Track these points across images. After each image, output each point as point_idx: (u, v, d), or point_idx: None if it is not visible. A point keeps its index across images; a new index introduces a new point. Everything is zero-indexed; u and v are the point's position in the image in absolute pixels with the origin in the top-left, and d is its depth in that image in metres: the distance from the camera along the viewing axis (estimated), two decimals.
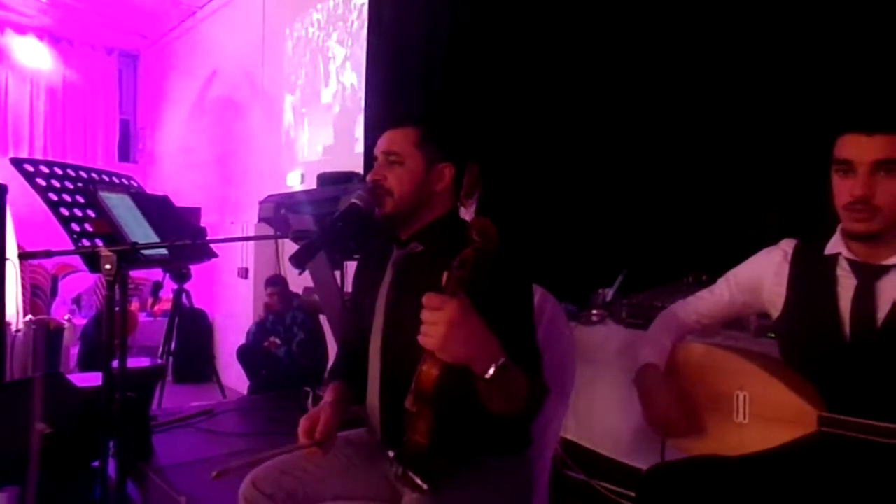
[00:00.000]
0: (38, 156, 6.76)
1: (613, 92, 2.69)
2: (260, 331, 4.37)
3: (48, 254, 1.37)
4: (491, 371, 1.00)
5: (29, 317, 4.22)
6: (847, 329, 1.22)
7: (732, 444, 1.32)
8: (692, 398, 1.40)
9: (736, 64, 2.32)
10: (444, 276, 1.03)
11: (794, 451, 1.23)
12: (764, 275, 1.38)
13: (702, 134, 2.42)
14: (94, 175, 1.76)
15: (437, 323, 0.99)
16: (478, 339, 1.00)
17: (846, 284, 1.25)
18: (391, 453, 1.10)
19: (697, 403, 1.39)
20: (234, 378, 4.78)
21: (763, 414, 1.29)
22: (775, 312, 1.36)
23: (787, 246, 1.37)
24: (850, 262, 1.25)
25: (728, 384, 1.36)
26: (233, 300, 5.77)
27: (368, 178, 1.33)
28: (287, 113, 5.24)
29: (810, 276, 1.30)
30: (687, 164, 2.47)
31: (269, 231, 3.23)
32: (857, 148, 1.19)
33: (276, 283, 4.38)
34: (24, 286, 4.65)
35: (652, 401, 1.39)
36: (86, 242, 1.50)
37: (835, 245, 1.28)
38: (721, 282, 1.48)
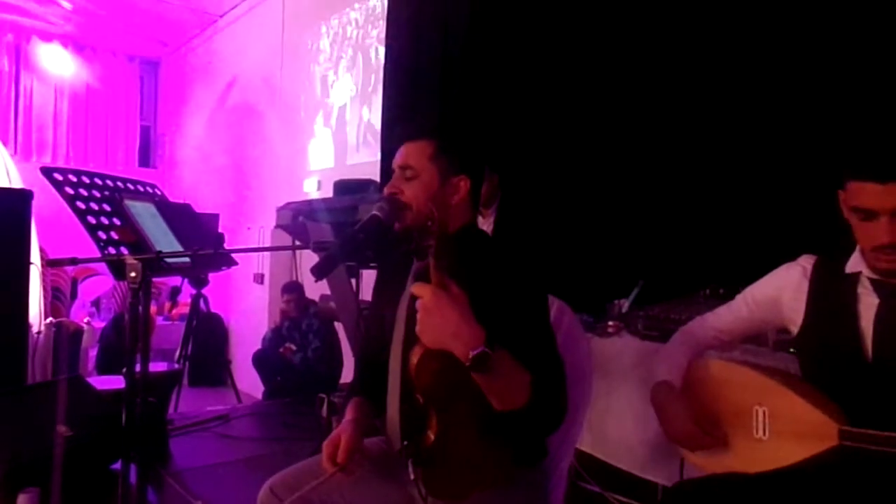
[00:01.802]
0: (62, 161, 6.88)
1: (631, 104, 2.69)
2: (276, 337, 4.41)
3: (75, 261, 1.40)
4: (469, 356, 1.02)
5: (49, 319, 4.29)
6: (869, 347, 1.21)
7: (752, 460, 1.31)
8: (711, 414, 1.39)
9: (753, 81, 2.32)
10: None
11: (816, 466, 1.22)
12: (783, 291, 1.37)
13: (720, 147, 2.42)
14: (119, 183, 1.80)
15: (418, 309, 1.04)
16: (452, 325, 1.02)
17: (867, 303, 1.24)
18: (405, 442, 1.14)
19: (716, 419, 1.39)
20: (249, 383, 4.82)
21: (783, 429, 1.29)
22: (795, 329, 1.35)
23: (806, 262, 1.36)
24: (872, 281, 1.24)
25: (747, 400, 1.35)
26: (248, 305, 5.82)
27: (385, 190, 1.34)
28: (304, 120, 5.30)
29: (831, 293, 1.29)
30: (704, 177, 2.46)
31: (286, 237, 3.26)
32: (875, 198, 1.18)
33: (293, 289, 4.41)
34: (45, 289, 4.73)
35: (668, 418, 1.39)
36: (111, 250, 1.54)
37: (856, 263, 1.28)
38: (739, 298, 1.48)
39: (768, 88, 2.29)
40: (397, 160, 1.35)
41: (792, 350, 1.70)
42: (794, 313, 1.34)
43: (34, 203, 2.82)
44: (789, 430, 1.27)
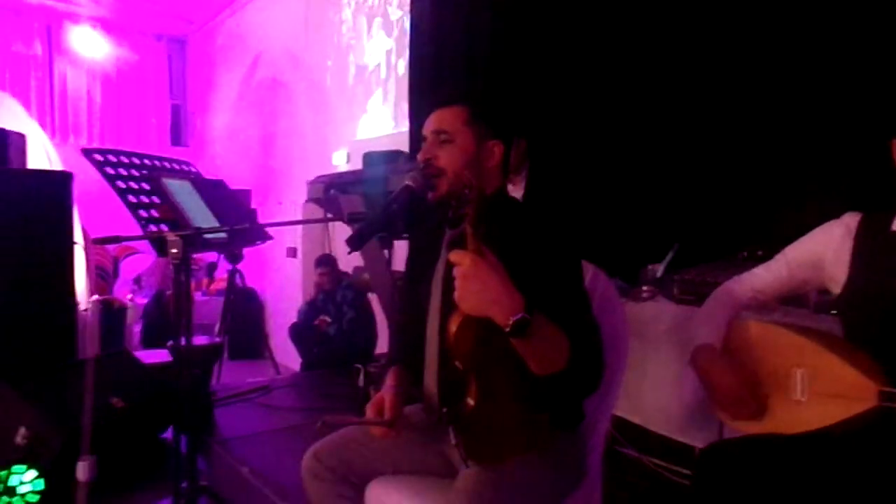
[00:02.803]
0: (97, 142, 7.03)
1: (665, 63, 2.61)
2: (311, 309, 4.49)
3: (118, 239, 1.45)
4: (509, 323, 1.02)
5: (95, 297, 4.45)
6: None
7: (791, 422, 1.30)
8: (751, 376, 1.38)
9: (796, 32, 2.22)
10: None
11: (854, 427, 1.20)
12: (825, 250, 1.33)
13: (759, 103, 2.34)
14: (156, 162, 1.84)
15: (457, 277, 1.04)
16: (492, 292, 1.03)
17: None
18: (444, 409, 1.17)
19: (756, 382, 1.37)
20: (287, 355, 4.94)
21: (822, 391, 1.27)
22: (836, 289, 1.32)
23: (850, 220, 1.32)
24: None
25: (786, 362, 1.33)
26: (283, 279, 5.92)
27: (419, 157, 1.33)
28: (332, 92, 5.29)
29: (875, 252, 1.25)
30: (741, 135, 2.39)
31: (317, 210, 3.29)
32: None
33: (327, 262, 4.47)
34: (89, 268, 4.89)
35: (713, 382, 1.37)
36: (152, 228, 1.58)
37: None
38: (779, 257, 1.45)
39: (812, 40, 2.19)
40: (430, 126, 1.34)
41: (833, 312, 1.67)
42: (837, 273, 1.31)
43: (76, 184, 2.90)
44: (828, 392, 1.26)
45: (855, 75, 2.05)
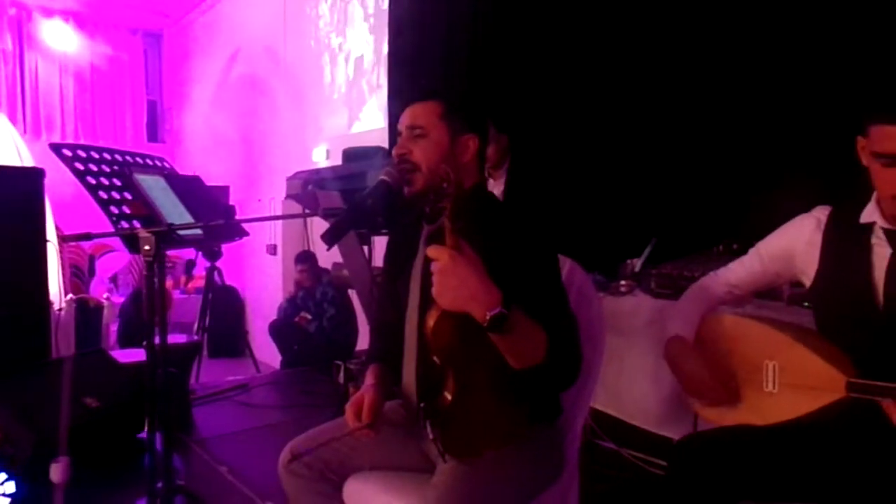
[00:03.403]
0: (70, 139, 6.90)
1: (641, 60, 2.63)
2: (291, 306, 4.46)
3: (89, 236, 1.42)
4: (487, 318, 1.02)
5: (70, 296, 4.37)
6: (881, 297, 1.21)
7: (763, 413, 1.33)
8: (723, 369, 1.40)
9: (768, 30, 2.26)
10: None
11: (824, 417, 1.23)
12: (796, 243, 1.36)
13: (732, 99, 2.37)
14: (128, 158, 1.80)
15: (434, 272, 1.04)
16: (469, 288, 1.02)
17: (881, 253, 1.23)
18: (422, 403, 1.17)
19: (727, 374, 1.39)
20: (267, 353, 4.90)
21: (792, 382, 1.30)
22: (808, 281, 1.34)
23: (820, 213, 1.34)
24: (886, 231, 1.23)
25: (758, 354, 1.35)
26: (263, 276, 5.88)
27: (394, 152, 1.33)
28: (311, 88, 5.25)
29: (844, 244, 1.28)
30: (716, 131, 2.42)
31: (297, 207, 3.26)
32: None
33: (306, 259, 4.44)
34: (63, 266, 4.80)
35: (683, 372, 1.40)
36: (124, 224, 1.55)
37: (870, 213, 1.26)
38: (752, 252, 1.47)
39: (784, 36, 2.23)
40: (404, 121, 1.34)
41: (806, 304, 1.70)
42: (808, 265, 1.33)
43: (48, 181, 2.84)
44: (799, 384, 1.28)
45: (825, 72, 2.09)
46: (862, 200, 1.27)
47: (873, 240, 1.24)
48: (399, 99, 3.77)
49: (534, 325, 1.10)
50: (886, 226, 1.23)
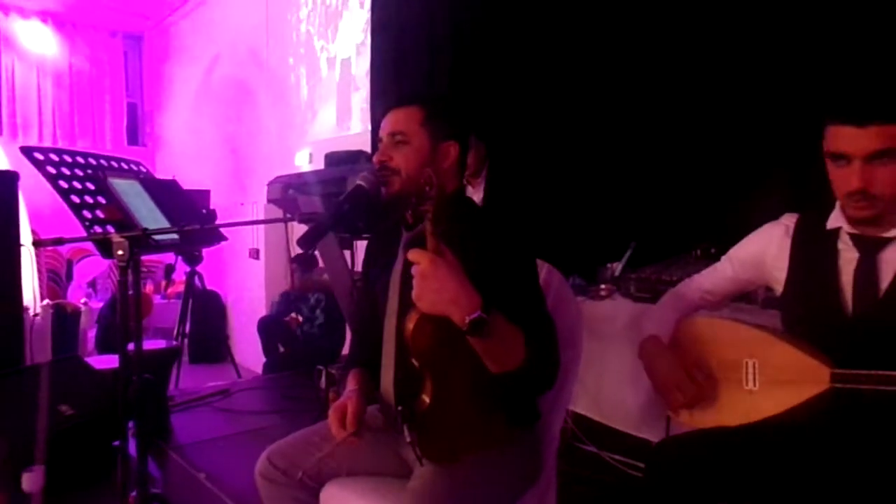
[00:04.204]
0: (48, 142, 6.78)
1: (617, 66, 2.66)
2: (284, 301, 4.43)
3: (60, 241, 1.39)
4: (466, 322, 1.02)
5: (46, 301, 4.30)
6: (850, 302, 1.22)
7: (743, 412, 1.32)
8: (700, 369, 1.40)
9: (738, 39, 2.30)
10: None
11: (807, 411, 1.23)
12: (766, 250, 1.37)
13: (708, 106, 2.40)
14: (102, 161, 1.78)
15: (415, 275, 1.04)
16: (449, 291, 1.02)
17: (848, 258, 1.24)
18: (399, 407, 1.16)
19: (705, 373, 1.40)
20: (249, 358, 4.85)
21: (773, 378, 1.29)
22: (779, 287, 1.36)
23: (788, 220, 1.36)
24: (852, 236, 1.24)
25: (736, 353, 1.35)
26: (245, 281, 5.82)
27: (374, 159, 1.33)
28: (294, 92, 5.23)
29: (812, 250, 1.29)
30: (693, 137, 2.45)
31: (279, 212, 3.25)
32: (850, 141, 1.17)
33: (297, 261, 4.40)
34: (40, 271, 4.72)
35: (657, 370, 1.40)
36: (98, 229, 1.53)
37: (836, 219, 1.27)
38: (724, 258, 1.48)
39: (757, 44, 2.26)
40: (385, 128, 1.34)
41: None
42: (778, 272, 1.34)
43: (25, 186, 2.80)
44: (781, 378, 1.27)
45: (798, 77, 2.13)
46: (829, 206, 1.29)
47: (840, 245, 1.26)
48: (381, 101, 3.76)
49: (513, 330, 1.10)
50: (852, 230, 1.24)
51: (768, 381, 1.30)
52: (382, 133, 1.34)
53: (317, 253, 4.51)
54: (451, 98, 3.14)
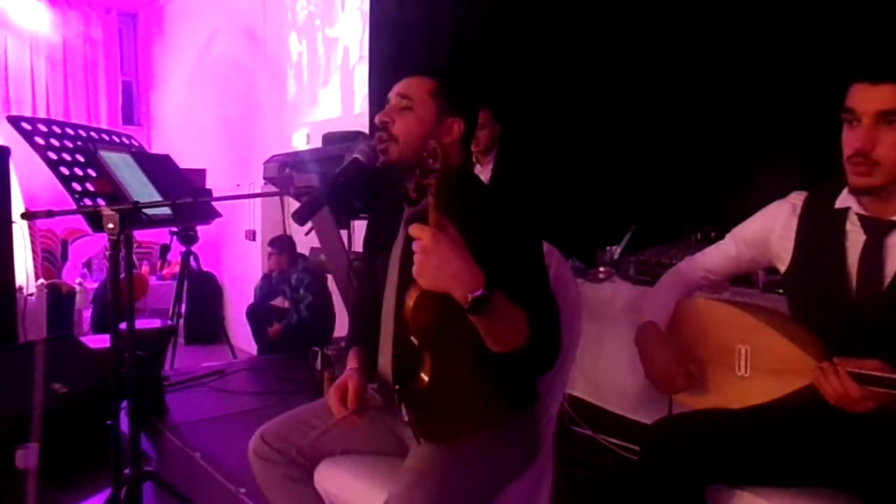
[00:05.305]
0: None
1: (621, 50, 2.62)
2: (266, 285, 4.42)
3: (50, 213, 1.36)
4: (468, 300, 1.00)
5: (41, 281, 4.27)
6: (854, 285, 1.20)
7: (734, 397, 1.32)
8: (695, 353, 1.39)
9: (744, 15, 2.26)
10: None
11: (795, 401, 1.22)
12: (771, 229, 1.35)
13: (710, 88, 2.37)
14: (93, 134, 1.74)
15: (416, 250, 1.01)
16: (452, 268, 1.00)
17: (855, 240, 1.22)
18: (397, 386, 1.14)
19: (700, 358, 1.39)
20: (244, 339, 4.84)
21: (764, 367, 1.29)
22: (782, 267, 1.33)
23: (796, 199, 1.33)
24: (861, 217, 1.21)
25: (730, 338, 1.35)
26: (241, 262, 5.80)
27: (377, 118, 1.30)
28: (291, 73, 5.16)
29: (819, 230, 1.27)
30: (695, 119, 2.42)
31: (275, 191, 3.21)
32: (861, 97, 1.15)
33: (275, 243, 4.40)
34: (34, 250, 4.68)
35: (650, 358, 1.39)
36: (88, 202, 1.49)
37: (845, 199, 1.25)
38: (728, 237, 1.46)
39: (759, 24, 2.23)
40: (395, 89, 1.31)
41: (780, 291, 1.70)
42: (783, 251, 1.32)
43: (20, 162, 2.76)
44: (770, 368, 1.27)
45: (801, 58, 2.09)
46: (838, 186, 1.26)
47: (848, 226, 1.23)
48: (381, 84, 3.72)
49: (515, 309, 1.08)
50: (861, 212, 1.22)
51: (759, 368, 1.30)
52: (391, 94, 1.32)
53: (294, 235, 4.51)
54: (468, 75, 3.09)
